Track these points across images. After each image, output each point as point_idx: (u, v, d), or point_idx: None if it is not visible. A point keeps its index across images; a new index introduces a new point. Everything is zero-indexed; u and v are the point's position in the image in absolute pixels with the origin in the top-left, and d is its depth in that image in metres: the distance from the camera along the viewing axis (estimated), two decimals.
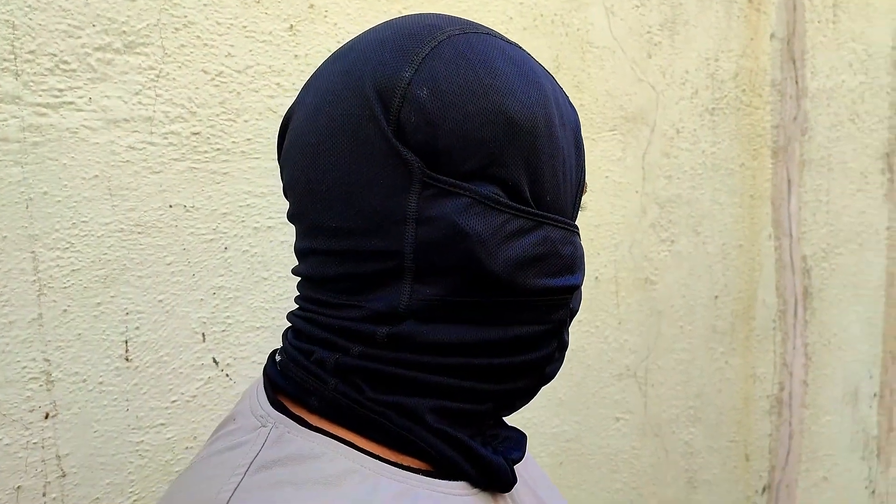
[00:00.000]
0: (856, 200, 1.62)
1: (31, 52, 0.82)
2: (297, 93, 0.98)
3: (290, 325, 0.66)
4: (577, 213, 0.66)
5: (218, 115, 0.93)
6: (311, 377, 0.60)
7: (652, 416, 1.42)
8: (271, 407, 0.61)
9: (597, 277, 1.33)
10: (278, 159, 0.67)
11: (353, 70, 0.59)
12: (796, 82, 1.50)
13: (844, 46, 1.56)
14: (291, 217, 0.66)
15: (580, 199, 0.66)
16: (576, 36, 1.25)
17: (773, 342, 1.55)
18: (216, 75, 0.93)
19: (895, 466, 1.76)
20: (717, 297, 1.46)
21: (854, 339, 1.66)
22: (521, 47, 0.63)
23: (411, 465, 0.61)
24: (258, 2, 0.95)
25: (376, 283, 0.59)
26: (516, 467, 0.67)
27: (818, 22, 1.52)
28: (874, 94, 1.61)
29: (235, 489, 0.54)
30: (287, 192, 0.65)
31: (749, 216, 1.48)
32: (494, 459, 0.63)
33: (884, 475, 1.74)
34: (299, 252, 0.65)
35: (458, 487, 0.63)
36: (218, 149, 0.94)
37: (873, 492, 1.74)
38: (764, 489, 1.58)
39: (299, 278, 0.66)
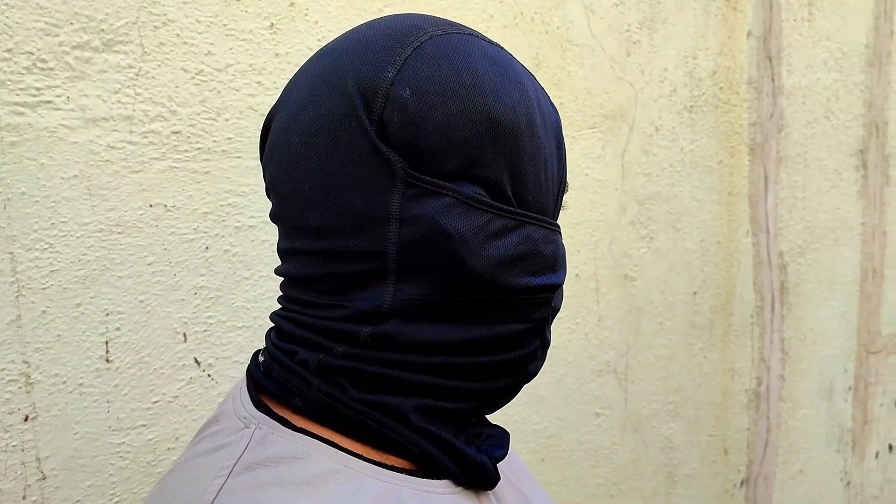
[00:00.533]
0: (831, 197, 1.64)
1: (8, 50, 0.81)
2: (278, 91, 0.98)
3: (273, 325, 0.66)
4: (559, 212, 0.67)
5: (198, 113, 0.93)
6: (295, 378, 0.60)
7: (632, 411, 1.43)
8: (255, 408, 0.61)
9: (577, 274, 1.34)
10: (260, 159, 0.67)
11: (336, 70, 0.59)
12: (773, 80, 1.52)
13: (819, 45, 1.58)
14: (274, 217, 0.65)
15: (562, 198, 0.66)
16: (555, 34, 1.25)
17: (750, 337, 1.57)
18: (196, 74, 0.92)
19: (869, 459, 1.79)
20: (695, 293, 1.48)
21: (829, 333, 1.68)
22: (502, 48, 0.64)
23: (395, 465, 0.62)
24: (239, 0, 0.94)
25: (359, 283, 0.59)
26: (500, 465, 0.68)
27: (794, 20, 1.54)
28: (848, 91, 1.63)
29: (219, 491, 0.54)
30: (269, 192, 0.65)
31: (727, 213, 1.50)
32: (478, 457, 0.63)
33: (858, 467, 1.77)
34: (282, 252, 0.65)
35: (442, 486, 0.63)
36: (199, 148, 0.93)
37: (848, 483, 1.77)
38: (742, 482, 1.60)
39: (282, 278, 0.66)
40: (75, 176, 0.85)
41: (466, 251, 0.57)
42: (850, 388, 1.73)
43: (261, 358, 0.65)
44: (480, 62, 0.59)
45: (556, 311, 0.67)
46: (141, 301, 0.91)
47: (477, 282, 0.58)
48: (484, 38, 0.62)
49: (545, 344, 0.67)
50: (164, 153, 0.91)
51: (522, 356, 0.64)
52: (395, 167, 0.56)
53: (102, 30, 0.86)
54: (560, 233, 0.64)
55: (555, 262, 0.63)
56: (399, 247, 0.58)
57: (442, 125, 0.56)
